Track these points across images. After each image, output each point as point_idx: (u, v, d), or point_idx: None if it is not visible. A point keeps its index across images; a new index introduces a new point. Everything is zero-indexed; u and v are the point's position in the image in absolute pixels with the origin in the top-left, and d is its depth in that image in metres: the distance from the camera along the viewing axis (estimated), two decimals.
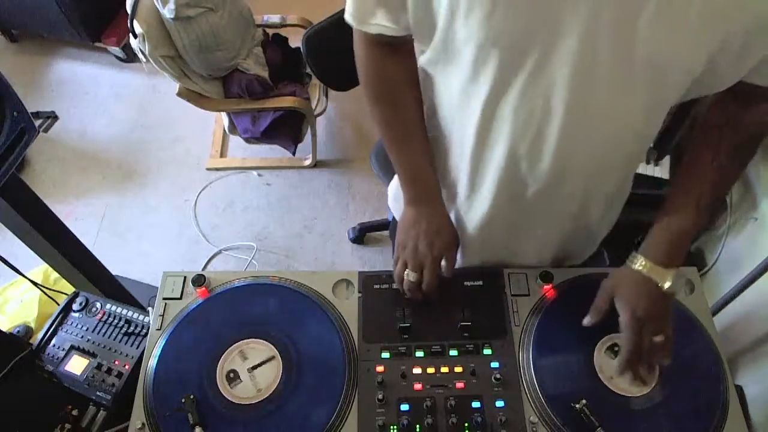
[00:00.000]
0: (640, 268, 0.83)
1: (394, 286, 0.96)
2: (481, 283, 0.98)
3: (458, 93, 0.77)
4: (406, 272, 0.91)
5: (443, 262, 0.92)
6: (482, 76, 0.71)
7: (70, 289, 1.21)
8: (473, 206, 0.93)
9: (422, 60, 0.81)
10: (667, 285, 0.82)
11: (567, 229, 0.96)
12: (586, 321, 0.87)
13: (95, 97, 2.72)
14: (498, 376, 0.87)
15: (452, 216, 0.97)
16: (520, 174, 0.82)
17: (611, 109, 0.71)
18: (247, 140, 2.25)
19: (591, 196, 0.88)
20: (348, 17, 0.79)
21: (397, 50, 0.84)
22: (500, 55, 0.68)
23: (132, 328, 1.11)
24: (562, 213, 0.91)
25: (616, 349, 0.89)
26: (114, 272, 1.63)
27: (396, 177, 1.03)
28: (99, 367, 1.06)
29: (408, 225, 0.93)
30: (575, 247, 1.05)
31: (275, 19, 2.23)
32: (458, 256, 1.01)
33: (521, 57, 0.67)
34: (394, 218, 1.18)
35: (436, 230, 0.91)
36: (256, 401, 0.85)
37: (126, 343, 1.09)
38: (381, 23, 0.76)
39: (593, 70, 0.66)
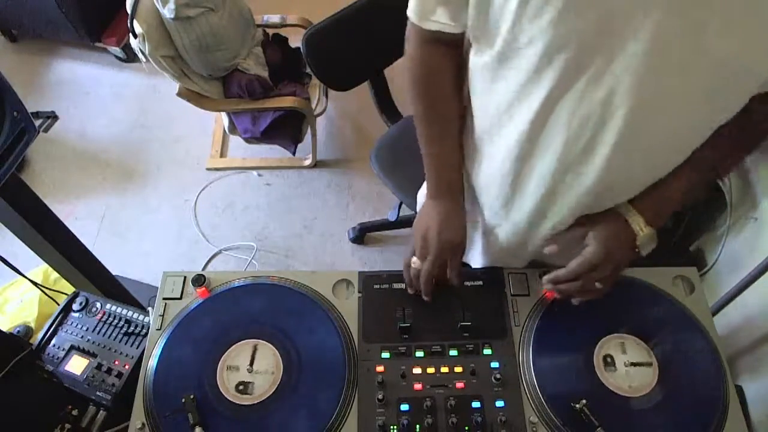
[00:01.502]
0: (628, 218, 0.83)
1: (395, 286, 0.96)
2: (481, 283, 0.98)
3: (512, 96, 0.76)
4: (412, 259, 0.94)
5: (448, 269, 0.92)
6: (542, 79, 0.70)
7: (70, 289, 1.21)
8: (509, 215, 0.92)
9: (477, 61, 0.80)
10: (639, 241, 0.82)
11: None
12: (548, 249, 0.89)
13: (95, 97, 2.72)
14: (498, 376, 0.87)
15: (484, 224, 1.00)
16: (565, 184, 0.80)
17: (671, 114, 0.69)
18: (247, 140, 2.25)
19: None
20: (410, 13, 0.80)
21: (449, 50, 0.85)
22: (564, 58, 0.66)
23: (132, 328, 1.11)
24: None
25: (616, 348, 0.89)
26: (114, 272, 1.63)
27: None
28: (99, 367, 1.06)
29: (423, 214, 0.96)
30: None
31: (275, 19, 2.23)
32: (479, 259, 1.02)
33: (585, 61, 0.66)
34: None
35: (447, 221, 0.93)
36: (256, 401, 0.85)
37: (126, 343, 1.09)
38: (440, 20, 0.77)
39: (659, 78, 0.65)
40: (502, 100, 0.78)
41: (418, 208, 1.17)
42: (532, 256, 1.01)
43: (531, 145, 0.78)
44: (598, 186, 0.78)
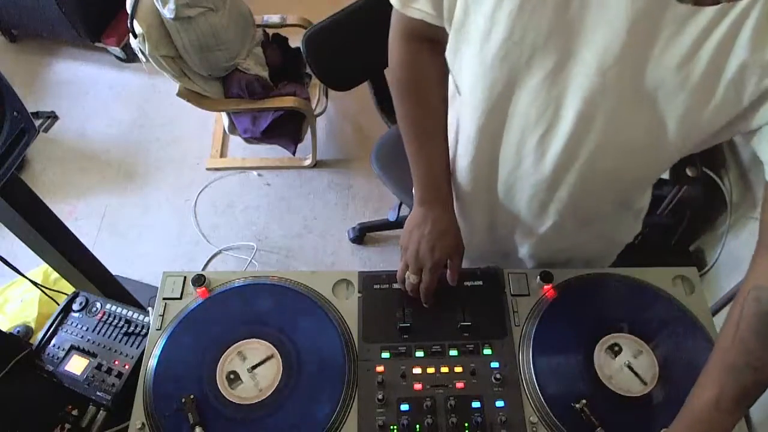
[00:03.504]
0: None
1: (395, 286, 0.96)
2: (481, 283, 0.98)
3: (474, 81, 0.78)
4: (407, 274, 0.92)
5: (448, 270, 0.92)
6: (501, 69, 0.72)
7: (70, 289, 1.21)
8: (478, 194, 0.93)
9: (447, 48, 0.81)
10: None
11: (567, 235, 0.96)
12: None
13: (95, 97, 2.72)
14: (498, 376, 0.87)
15: (459, 212, 0.98)
16: (524, 169, 0.82)
17: (618, 125, 0.71)
18: (247, 140, 2.25)
19: (590, 202, 0.88)
20: (393, 0, 0.80)
21: (433, 46, 0.84)
22: (522, 53, 0.68)
23: (132, 328, 1.11)
24: (561, 215, 0.90)
25: (616, 348, 0.89)
26: (114, 272, 1.63)
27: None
28: (99, 367, 1.06)
29: (413, 226, 0.94)
30: (590, 255, 1.06)
31: (275, 19, 2.23)
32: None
33: (541, 58, 0.68)
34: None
35: (439, 234, 0.91)
36: (256, 401, 0.85)
37: (126, 343, 1.09)
38: (423, 9, 0.77)
39: (605, 84, 0.66)
40: (467, 85, 0.80)
41: None
42: (504, 246, 1.03)
43: (495, 127, 0.80)
44: (551, 179, 0.80)
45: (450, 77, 0.88)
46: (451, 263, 0.93)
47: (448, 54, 0.81)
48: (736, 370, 0.70)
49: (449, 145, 0.95)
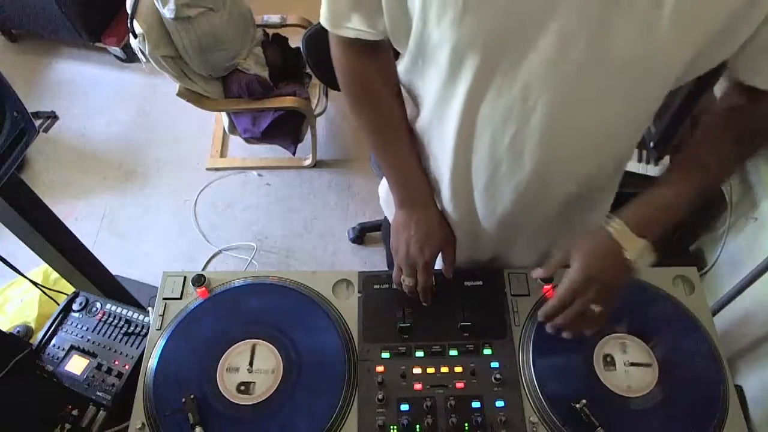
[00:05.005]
0: (611, 229, 0.77)
1: (395, 286, 0.96)
2: (481, 283, 0.98)
3: (436, 96, 0.77)
4: (402, 278, 0.92)
5: (442, 263, 0.92)
6: (459, 78, 0.71)
7: (70, 289, 1.21)
8: (457, 207, 0.92)
9: (400, 67, 0.81)
10: (630, 255, 0.75)
11: (555, 230, 0.95)
12: (535, 273, 0.84)
13: (95, 97, 2.72)
14: (498, 376, 0.87)
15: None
16: (502, 174, 0.81)
17: (591, 106, 0.70)
18: (247, 140, 2.25)
19: (577, 195, 0.87)
20: (323, 21, 0.78)
21: (375, 52, 0.83)
22: (475, 57, 0.67)
23: (132, 328, 1.11)
24: (548, 213, 0.90)
25: (616, 348, 0.89)
26: (114, 272, 1.63)
27: (385, 179, 1.02)
28: (99, 367, 1.06)
29: (399, 229, 0.92)
30: None
31: (275, 19, 2.23)
32: None
33: (496, 58, 0.67)
34: (386, 219, 1.18)
35: (426, 233, 0.90)
36: (257, 401, 0.85)
37: (126, 343, 1.09)
38: (357, 27, 0.75)
39: (569, 71, 0.66)
40: (431, 101, 0.79)
41: (389, 216, 1.15)
42: (490, 251, 1.01)
43: (463, 142, 0.79)
44: (533, 176, 0.78)
45: (405, 94, 0.87)
46: (443, 256, 0.92)
47: (405, 72, 0.80)
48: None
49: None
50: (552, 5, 0.61)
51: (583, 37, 0.62)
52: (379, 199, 1.16)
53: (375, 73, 0.85)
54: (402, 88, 0.87)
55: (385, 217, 1.18)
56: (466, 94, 0.72)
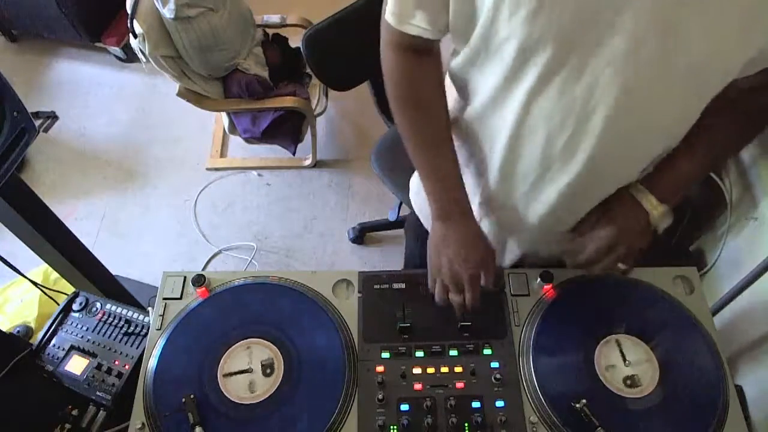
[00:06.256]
0: (639, 196, 0.85)
1: (395, 286, 0.96)
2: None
3: (493, 92, 0.77)
4: (450, 297, 0.89)
5: (483, 276, 0.88)
6: (522, 74, 0.71)
7: (70, 289, 1.21)
8: (499, 207, 0.92)
9: (457, 61, 0.81)
10: (654, 219, 0.85)
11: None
12: (571, 236, 0.90)
13: (95, 97, 2.72)
14: (498, 376, 0.87)
15: (476, 216, 0.95)
16: (551, 173, 0.81)
17: (650, 108, 0.71)
18: (247, 140, 2.25)
19: (619, 192, 0.88)
20: (388, 17, 0.79)
21: (427, 56, 0.84)
22: (542, 55, 0.67)
23: (132, 328, 1.11)
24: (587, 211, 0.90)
25: (616, 348, 0.89)
26: (114, 272, 1.63)
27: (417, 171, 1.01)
28: (99, 367, 1.06)
29: (438, 245, 0.90)
30: None
31: (275, 19, 2.23)
32: None
33: (563, 56, 0.67)
34: (411, 212, 1.18)
35: (467, 249, 0.88)
36: (257, 401, 0.85)
37: (126, 343, 1.09)
38: (419, 25, 0.76)
39: (637, 71, 0.66)
40: (487, 96, 0.79)
41: (416, 208, 1.16)
42: (523, 248, 1.01)
43: (515, 140, 0.80)
44: (582, 177, 0.79)
45: (451, 93, 0.87)
46: (484, 270, 0.88)
47: (460, 66, 0.80)
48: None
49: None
50: (624, 4, 0.61)
51: (652, 37, 0.62)
52: (410, 192, 1.15)
53: (425, 75, 0.86)
54: (451, 81, 0.87)
55: (412, 211, 1.18)
56: (528, 92, 0.72)
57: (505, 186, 0.88)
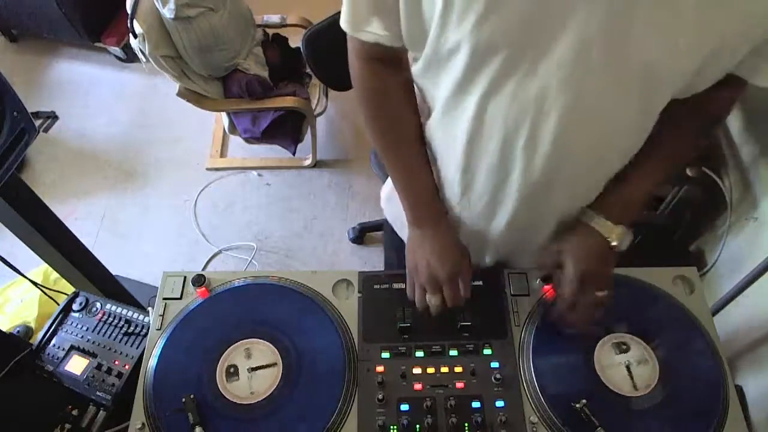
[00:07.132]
0: (593, 224, 0.85)
1: (395, 286, 0.96)
2: (481, 283, 0.98)
3: (449, 99, 0.77)
4: (427, 298, 0.89)
5: (461, 284, 0.89)
6: (474, 80, 0.71)
7: (70, 289, 1.21)
8: (464, 212, 0.91)
9: (414, 69, 0.81)
10: (614, 241, 0.84)
11: (561, 230, 0.95)
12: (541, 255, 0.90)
13: (95, 97, 2.72)
14: (498, 376, 0.87)
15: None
16: (512, 175, 0.81)
17: (606, 110, 0.71)
18: (247, 140, 2.25)
19: (585, 194, 0.88)
20: (343, 24, 0.78)
21: (393, 63, 0.83)
22: (493, 59, 0.67)
23: (132, 328, 1.11)
24: (558, 214, 0.90)
25: (616, 348, 0.89)
26: (114, 272, 1.63)
27: (390, 179, 1.01)
28: (99, 367, 1.06)
29: (414, 248, 0.91)
30: None
31: (275, 19, 2.23)
32: None
33: (515, 60, 0.67)
34: (386, 221, 1.18)
35: (442, 250, 0.88)
36: (257, 401, 0.85)
37: (126, 343, 1.09)
38: (375, 31, 0.75)
39: (588, 73, 0.66)
40: (442, 102, 0.79)
41: (389, 217, 1.15)
42: (494, 256, 1.01)
43: (472, 145, 0.79)
44: (543, 178, 0.79)
45: (419, 99, 0.87)
46: (462, 274, 0.89)
47: (419, 75, 0.80)
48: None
49: None
50: (573, 7, 0.61)
51: (602, 40, 0.62)
52: (380, 200, 1.15)
53: (392, 83, 0.85)
54: (416, 92, 0.87)
55: (386, 219, 1.18)
56: (481, 97, 0.72)
57: (467, 194, 0.88)
